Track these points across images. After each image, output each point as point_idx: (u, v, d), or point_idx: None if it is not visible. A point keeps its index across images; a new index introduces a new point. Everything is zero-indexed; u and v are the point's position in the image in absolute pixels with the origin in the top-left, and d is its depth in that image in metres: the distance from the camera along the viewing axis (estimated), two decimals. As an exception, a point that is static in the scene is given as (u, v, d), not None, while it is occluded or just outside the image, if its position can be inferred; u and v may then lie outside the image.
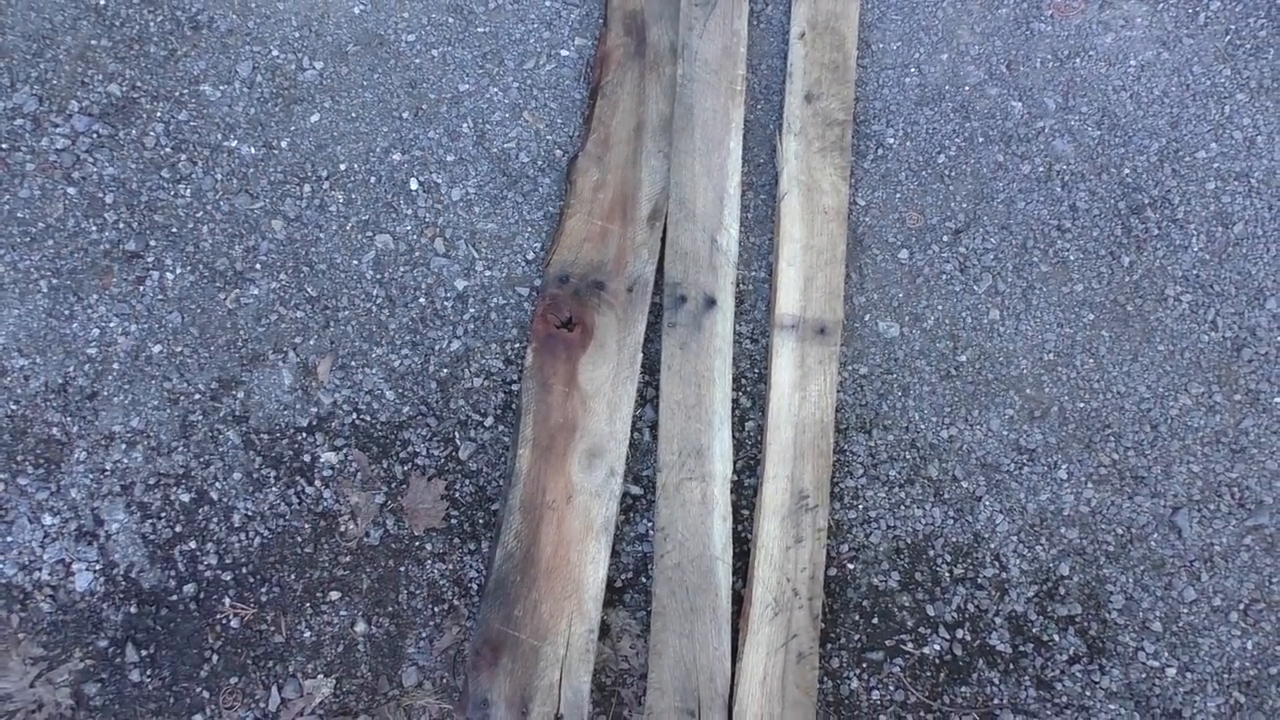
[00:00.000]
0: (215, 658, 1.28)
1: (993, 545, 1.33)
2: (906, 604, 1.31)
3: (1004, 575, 1.32)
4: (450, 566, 1.31)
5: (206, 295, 1.37)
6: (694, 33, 1.43)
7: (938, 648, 1.30)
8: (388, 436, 1.35)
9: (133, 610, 1.28)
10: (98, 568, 1.29)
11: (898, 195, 1.44)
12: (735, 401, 1.36)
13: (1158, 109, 1.46)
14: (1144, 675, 1.29)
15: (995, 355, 1.38)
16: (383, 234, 1.40)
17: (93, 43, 1.43)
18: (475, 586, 1.31)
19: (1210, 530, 1.33)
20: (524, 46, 1.49)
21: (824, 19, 1.46)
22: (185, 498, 1.31)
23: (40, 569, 1.28)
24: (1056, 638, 1.30)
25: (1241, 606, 1.30)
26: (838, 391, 1.36)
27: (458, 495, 1.33)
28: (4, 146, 1.38)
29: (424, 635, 1.30)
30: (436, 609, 1.30)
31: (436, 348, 1.37)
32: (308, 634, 1.29)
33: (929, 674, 1.29)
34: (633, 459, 1.34)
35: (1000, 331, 1.39)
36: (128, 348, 1.34)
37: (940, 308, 1.40)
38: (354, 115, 1.44)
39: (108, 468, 1.31)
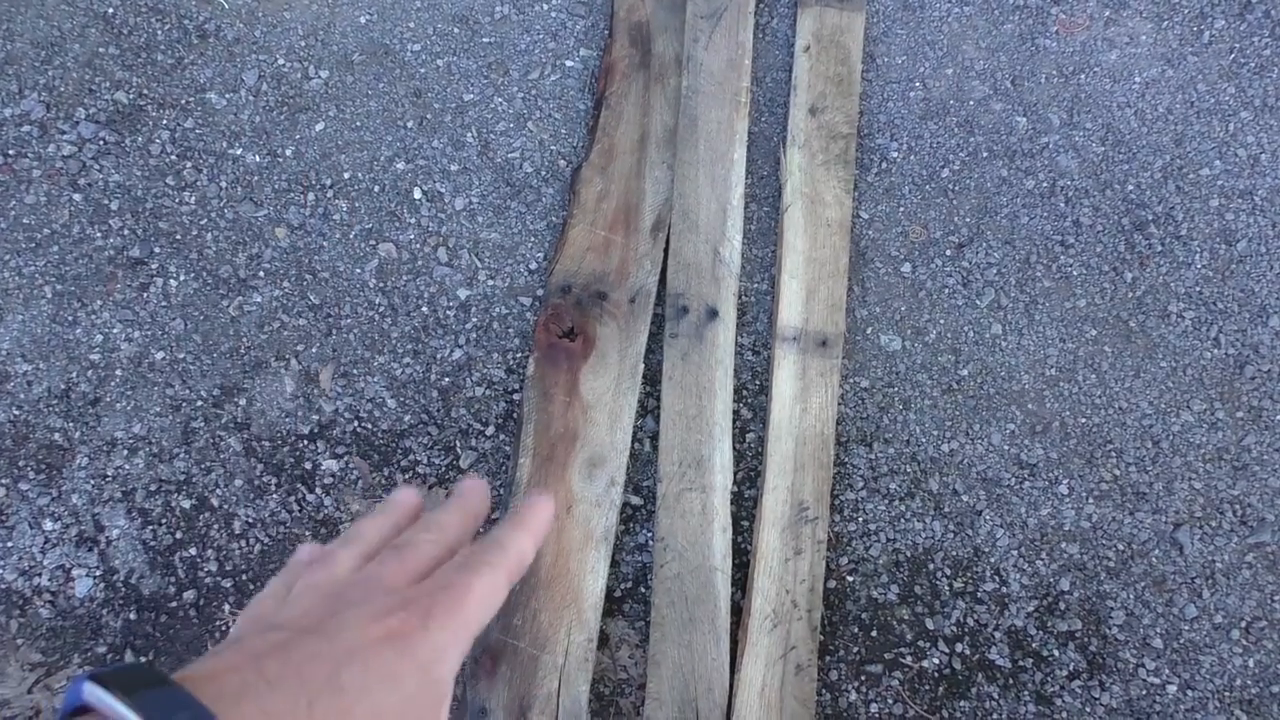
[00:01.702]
0: (214, 664, 1.27)
1: (993, 559, 1.32)
2: (906, 617, 1.31)
3: (1004, 590, 1.31)
4: (450, 575, 1.31)
5: (210, 302, 1.37)
6: (699, 45, 1.44)
7: (937, 661, 1.29)
8: (389, 445, 1.35)
9: (132, 616, 1.28)
10: (98, 574, 1.29)
11: (901, 209, 1.44)
12: (736, 413, 1.36)
13: (1162, 126, 1.46)
14: (1144, 692, 1.28)
15: (997, 370, 1.38)
16: (386, 243, 1.41)
17: (101, 50, 1.44)
18: (474, 596, 1.31)
19: (1212, 547, 1.32)
20: (529, 57, 1.49)
21: (829, 33, 1.46)
22: (186, 504, 1.31)
23: (40, 575, 1.28)
24: (1056, 653, 1.30)
25: (1243, 624, 1.30)
26: (839, 404, 1.36)
27: (458, 504, 1.33)
28: (11, 153, 1.39)
29: (423, 644, 1.29)
30: (435, 618, 1.30)
31: (438, 356, 1.38)
32: (306, 642, 1.29)
33: (928, 687, 1.29)
34: (633, 469, 1.34)
35: (1002, 346, 1.39)
36: (131, 354, 1.35)
37: (942, 322, 1.40)
38: (359, 124, 1.45)
39: (109, 474, 1.31)
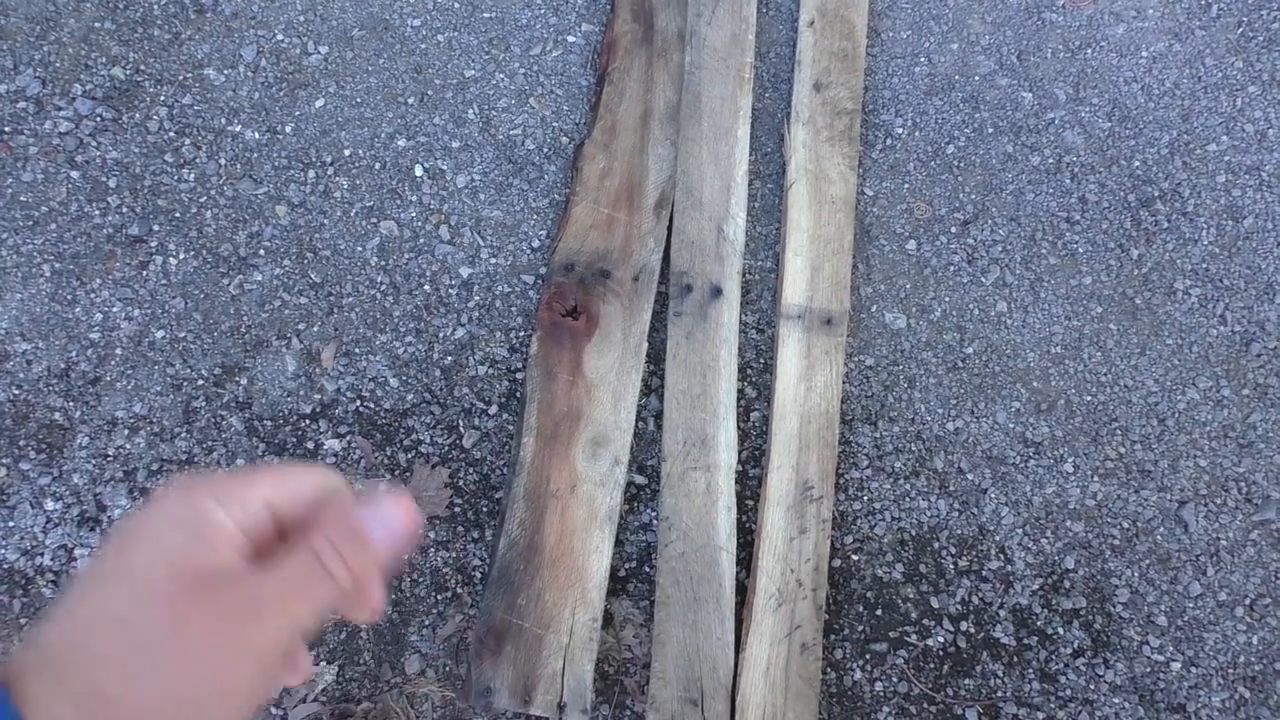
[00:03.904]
0: (218, 644, 1.27)
1: (998, 538, 1.32)
2: (910, 596, 1.31)
3: (1009, 568, 1.31)
4: (453, 554, 1.31)
5: (210, 281, 1.36)
6: (702, 19, 1.42)
7: (941, 640, 1.29)
8: (391, 424, 1.34)
9: (135, 596, 1.28)
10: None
11: (906, 185, 1.43)
12: (740, 392, 1.35)
13: (1169, 101, 1.45)
14: (1148, 669, 1.28)
15: (1002, 348, 1.38)
16: (387, 220, 1.39)
17: (96, 25, 1.42)
18: (479, 574, 1.30)
19: (1216, 525, 1.32)
20: (530, 32, 1.47)
21: (834, 7, 1.45)
22: (188, 484, 1.30)
23: (42, 554, 1.27)
24: (1061, 631, 1.30)
25: (1247, 601, 1.30)
26: (843, 382, 1.35)
27: (461, 483, 1.33)
28: (7, 130, 1.37)
29: (427, 623, 1.29)
30: (439, 597, 1.30)
31: (441, 335, 1.37)
32: (310, 621, 1.28)
33: (932, 666, 1.29)
34: (637, 448, 1.33)
35: (1008, 324, 1.38)
36: (130, 333, 1.34)
37: (947, 299, 1.39)
38: (359, 100, 1.43)
39: (110, 453, 1.30)
